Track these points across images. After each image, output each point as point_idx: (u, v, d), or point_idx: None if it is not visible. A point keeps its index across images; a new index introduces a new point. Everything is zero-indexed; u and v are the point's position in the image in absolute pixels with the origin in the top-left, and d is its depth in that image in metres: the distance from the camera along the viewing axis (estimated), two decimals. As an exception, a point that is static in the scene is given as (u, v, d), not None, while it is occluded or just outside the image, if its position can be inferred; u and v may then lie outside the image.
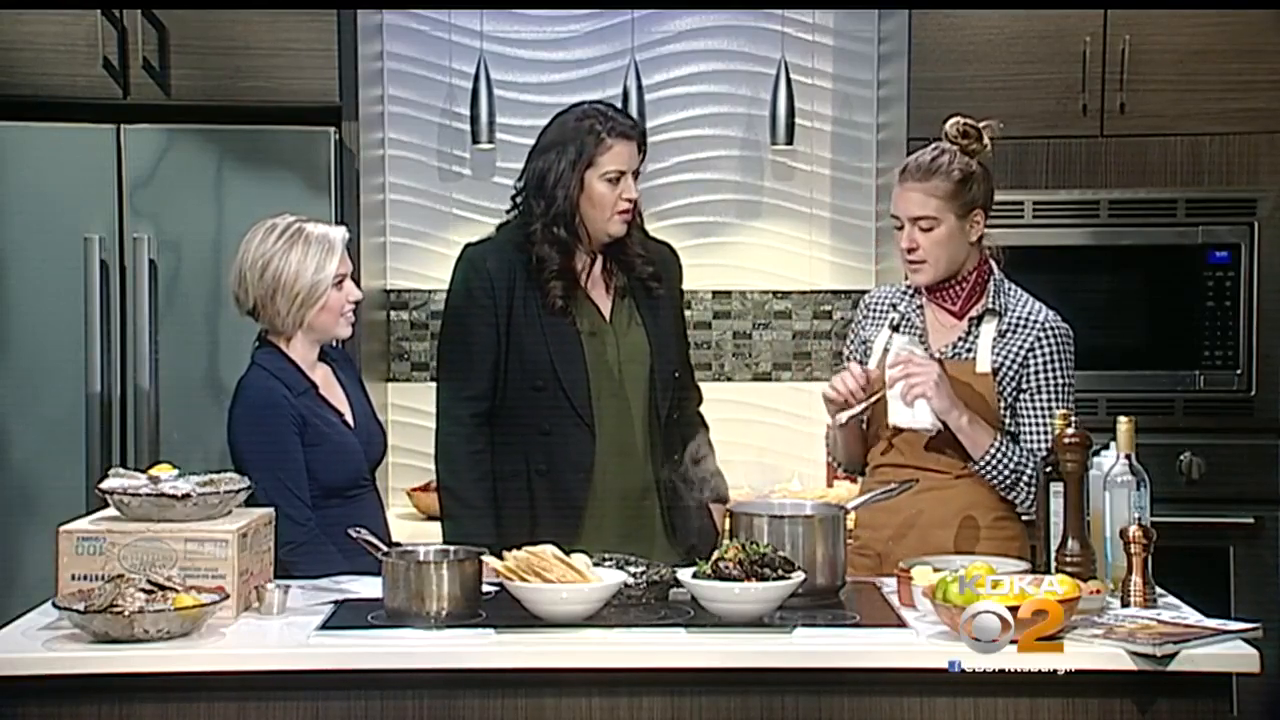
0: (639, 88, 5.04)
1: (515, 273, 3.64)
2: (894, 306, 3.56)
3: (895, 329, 3.52)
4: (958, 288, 3.49)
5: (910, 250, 3.45)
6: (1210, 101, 4.62)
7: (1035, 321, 3.46)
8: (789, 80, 5.06)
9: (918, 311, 3.53)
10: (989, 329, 3.46)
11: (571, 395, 3.61)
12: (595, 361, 3.65)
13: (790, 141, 5.09)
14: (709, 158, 5.17)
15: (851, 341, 3.66)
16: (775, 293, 5.21)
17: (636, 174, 3.66)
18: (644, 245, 3.73)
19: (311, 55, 4.53)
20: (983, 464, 3.39)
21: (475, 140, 5.08)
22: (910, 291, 3.57)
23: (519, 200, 3.71)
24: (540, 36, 5.19)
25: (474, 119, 5.05)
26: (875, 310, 3.61)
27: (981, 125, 3.44)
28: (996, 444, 3.39)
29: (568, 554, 2.96)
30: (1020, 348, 3.45)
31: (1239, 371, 4.64)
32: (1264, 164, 4.62)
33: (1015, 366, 3.44)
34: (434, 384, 5.12)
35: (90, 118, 4.50)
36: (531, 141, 5.10)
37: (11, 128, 4.49)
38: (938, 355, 3.47)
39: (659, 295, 3.73)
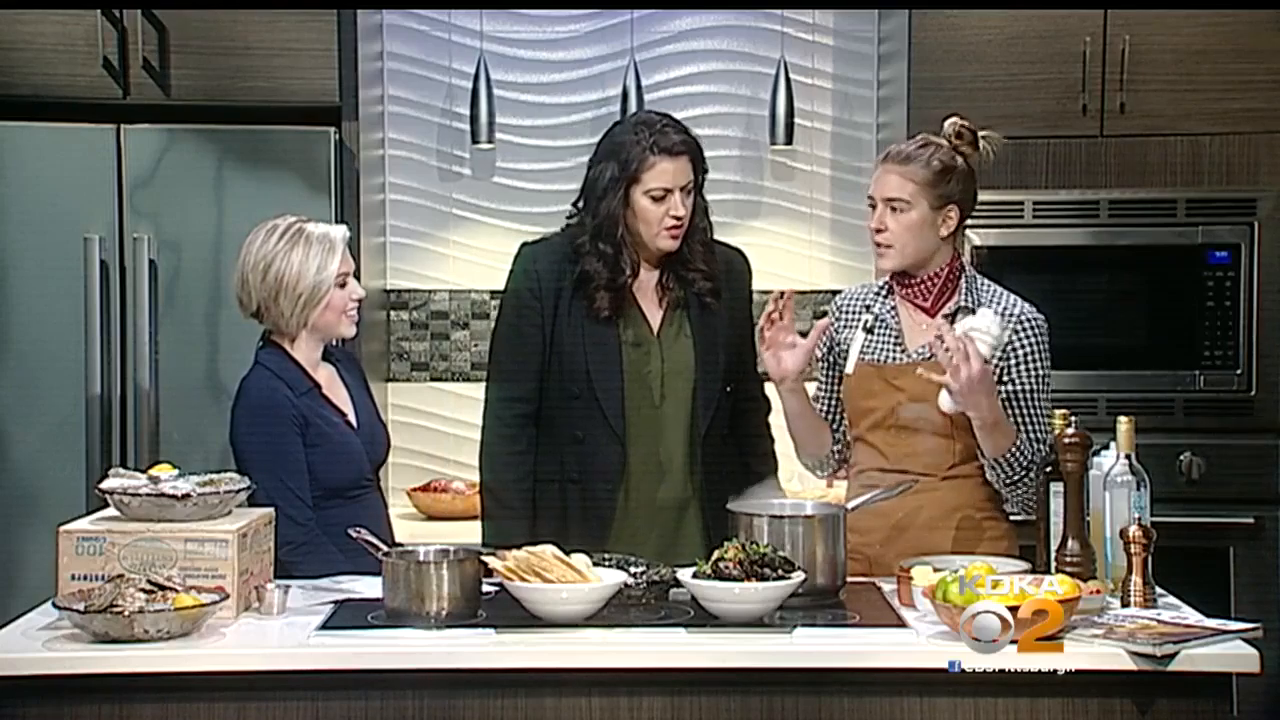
0: (638, 88, 5.04)
1: (565, 276, 3.62)
2: (867, 307, 3.55)
3: (869, 330, 3.51)
4: (928, 284, 3.47)
5: (878, 231, 3.45)
6: (1210, 101, 4.62)
7: (1011, 315, 3.43)
8: (789, 80, 5.06)
9: (891, 312, 3.51)
10: (964, 327, 3.42)
11: (604, 405, 3.60)
12: (634, 373, 3.63)
13: (790, 141, 5.09)
14: (709, 157, 5.11)
15: (825, 343, 3.60)
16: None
17: (693, 188, 3.60)
18: (705, 259, 3.66)
19: (311, 55, 4.53)
20: (999, 460, 3.35)
21: (475, 140, 5.08)
22: (884, 291, 3.55)
23: (579, 206, 3.68)
24: (540, 36, 5.19)
25: (474, 119, 5.05)
26: (849, 310, 3.58)
27: (981, 133, 3.45)
28: (1016, 446, 3.34)
29: (568, 554, 2.96)
30: None
31: (1239, 371, 4.64)
32: (1264, 164, 4.62)
33: (994, 363, 3.40)
34: (433, 384, 5.19)
35: (90, 118, 4.50)
36: (531, 141, 5.17)
37: (11, 128, 4.49)
38: (916, 355, 3.44)
39: (715, 310, 3.68)
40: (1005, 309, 3.45)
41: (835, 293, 5.11)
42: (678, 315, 3.68)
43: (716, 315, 3.69)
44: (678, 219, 3.58)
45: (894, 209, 3.43)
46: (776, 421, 3.81)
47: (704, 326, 3.67)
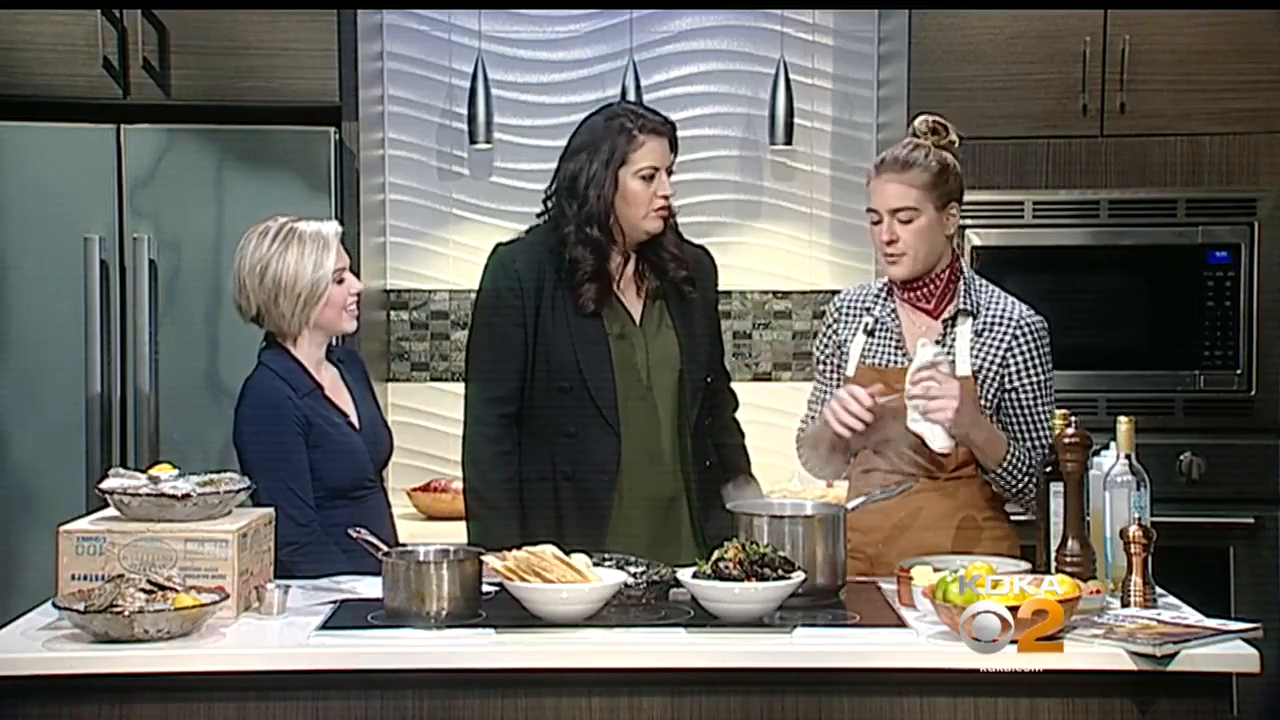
0: (638, 88, 5.04)
1: (544, 273, 3.62)
2: (868, 309, 3.54)
3: (870, 333, 3.51)
4: (931, 286, 3.46)
5: (890, 243, 3.42)
6: (1210, 101, 4.63)
7: (1011, 319, 3.43)
8: (788, 80, 5.06)
9: (891, 314, 3.51)
10: (964, 330, 3.43)
11: (597, 398, 3.60)
12: (623, 364, 3.63)
13: (790, 141, 5.09)
14: (708, 158, 5.17)
15: (824, 345, 3.61)
16: (775, 293, 5.21)
17: (669, 171, 3.64)
18: (679, 247, 3.69)
19: (311, 55, 4.54)
20: (998, 471, 3.36)
21: (473, 140, 5.08)
22: (883, 293, 3.55)
23: (549, 203, 3.68)
24: (539, 36, 5.20)
25: (471, 119, 5.06)
26: (849, 312, 3.58)
27: (947, 122, 3.45)
28: (1011, 451, 3.35)
29: (568, 554, 2.96)
30: (998, 347, 3.41)
31: (1239, 371, 4.64)
32: (1264, 164, 4.63)
33: (995, 367, 3.41)
34: (433, 384, 5.19)
35: (90, 118, 4.50)
36: (530, 141, 5.17)
37: (11, 128, 4.49)
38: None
39: (692, 299, 3.69)
40: (1005, 311, 3.44)
41: (835, 293, 5.13)
42: (657, 306, 3.69)
43: (693, 306, 3.71)
44: (665, 198, 3.60)
45: (902, 220, 3.41)
46: (743, 416, 3.88)
47: (683, 316, 3.69)
